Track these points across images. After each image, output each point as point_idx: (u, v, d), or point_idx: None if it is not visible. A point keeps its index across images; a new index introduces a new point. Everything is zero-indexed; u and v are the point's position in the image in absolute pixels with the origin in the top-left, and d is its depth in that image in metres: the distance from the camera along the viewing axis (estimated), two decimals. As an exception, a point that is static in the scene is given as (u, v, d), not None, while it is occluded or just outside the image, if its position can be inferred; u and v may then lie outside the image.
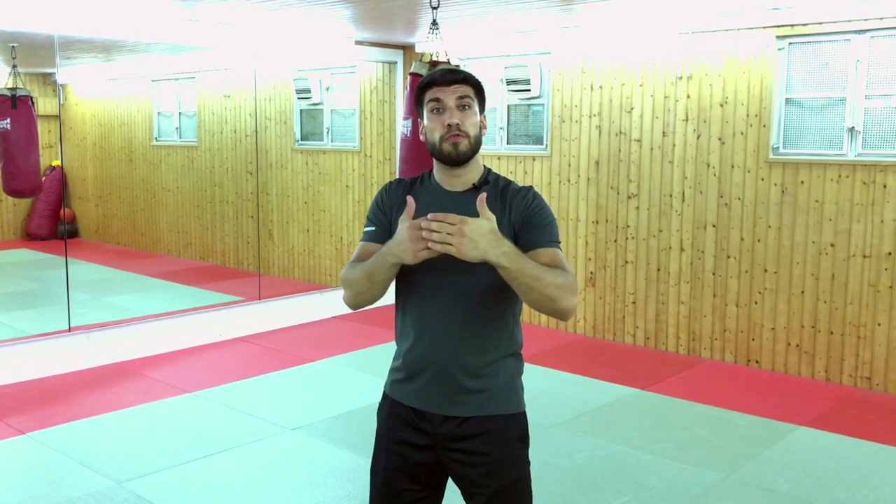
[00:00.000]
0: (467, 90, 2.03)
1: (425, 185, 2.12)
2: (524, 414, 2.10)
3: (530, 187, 2.08)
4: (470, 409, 2.03)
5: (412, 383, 2.09)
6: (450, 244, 1.77)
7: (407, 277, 2.04)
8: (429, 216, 1.80)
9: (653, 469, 4.13)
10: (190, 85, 9.88)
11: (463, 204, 1.98)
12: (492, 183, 2.07)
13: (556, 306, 1.90)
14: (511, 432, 2.05)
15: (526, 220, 2.01)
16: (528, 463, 2.09)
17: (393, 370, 2.18)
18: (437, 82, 2.02)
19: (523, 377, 2.15)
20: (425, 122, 2.05)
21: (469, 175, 2.07)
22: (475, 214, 1.85)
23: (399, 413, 2.12)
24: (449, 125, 2.00)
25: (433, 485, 2.13)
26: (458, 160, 2.02)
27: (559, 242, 2.04)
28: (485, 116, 2.09)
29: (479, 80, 2.09)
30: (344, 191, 8.52)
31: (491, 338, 2.03)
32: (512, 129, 7.30)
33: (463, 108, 2.02)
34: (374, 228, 2.12)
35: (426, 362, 2.05)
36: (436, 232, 1.78)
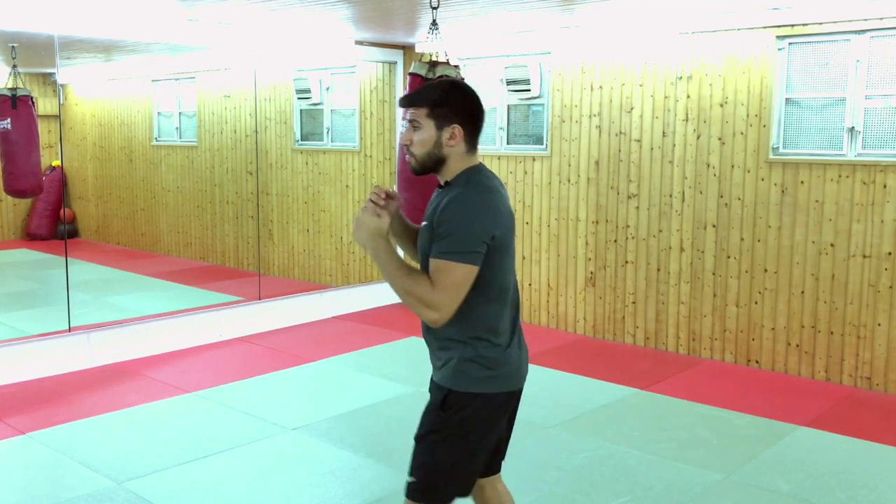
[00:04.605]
0: (417, 112, 2.33)
1: None
2: (458, 393, 2.36)
3: (459, 192, 2.30)
4: (435, 377, 2.47)
5: None
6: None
7: None
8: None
9: (653, 469, 4.13)
10: (190, 85, 9.88)
11: (435, 199, 2.39)
12: (452, 185, 2.35)
13: (412, 310, 2.30)
14: (436, 399, 2.42)
15: (434, 226, 2.28)
16: (441, 428, 2.37)
17: None
18: (400, 105, 2.43)
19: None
20: None
21: (443, 176, 2.39)
22: (431, 208, 2.35)
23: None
24: (404, 144, 2.38)
25: None
26: (413, 173, 2.39)
27: (452, 254, 2.22)
28: (455, 127, 2.31)
29: (446, 94, 2.33)
30: (344, 191, 8.51)
31: (447, 326, 2.32)
32: (512, 129, 7.30)
33: (414, 129, 2.34)
34: None
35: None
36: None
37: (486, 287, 2.31)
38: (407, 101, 2.36)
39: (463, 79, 5.11)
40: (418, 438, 2.43)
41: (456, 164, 2.35)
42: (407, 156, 2.37)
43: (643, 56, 6.35)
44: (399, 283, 2.26)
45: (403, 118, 2.38)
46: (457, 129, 2.31)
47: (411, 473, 2.42)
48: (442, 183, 2.38)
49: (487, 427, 2.41)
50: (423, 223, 2.39)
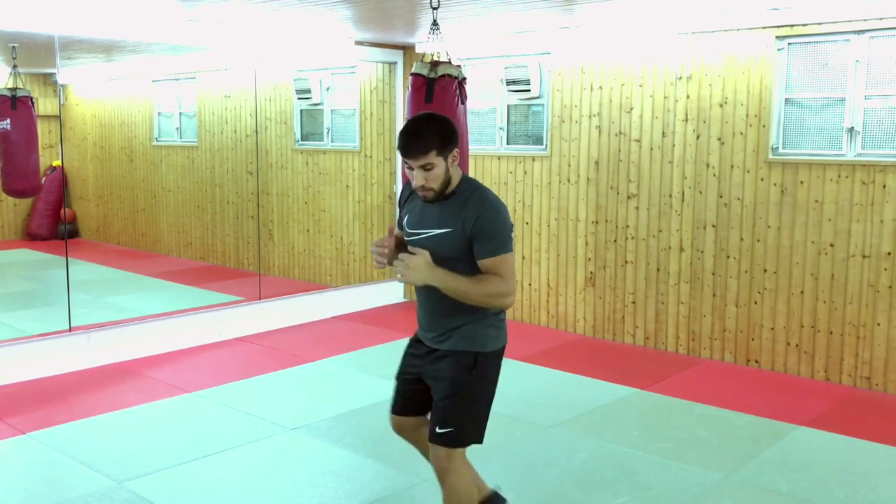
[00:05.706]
0: (428, 158, 2.68)
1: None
2: (485, 353, 2.83)
3: (486, 199, 2.75)
4: (445, 346, 2.88)
5: (419, 328, 3.04)
6: (400, 272, 2.67)
7: None
8: (385, 241, 2.84)
9: (653, 469, 4.14)
10: (190, 85, 9.89)
11: (435, 210, 2.81)
12: (458, 194, 2.79)
13: (489, 308, 2.79)
14: (465, 363, 2.83)
15: (474, 232, 2.71)
16: (471, 385, 2.82)
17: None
18: (405, 154, 2.71)
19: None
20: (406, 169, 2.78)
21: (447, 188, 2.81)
22: (445, 216, 2.76)
23: (411, 342, 3.14)
24: (420, 186, 2.74)
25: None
26: (431, 202, 2.80)
27: (504, 249, 2.71)
28: (455, 150, 2.74)
29: (442, 130, 2.71)
30: (344, 191, 8.52)
31: (454, 308, 2.78)
32: (512, 129, 7.30)
33: (427, 170, 2.71)
34: (397, 216, 3.05)
35: (420, 319, 3.00)
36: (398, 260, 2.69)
37: None
38: (414, 153, 2.69)
39: (465, 78, 5.13)
40: (449, 397, 2.81)
41: (454, 175, 2.81)
42: (423, 192, 2.75)
43: (643, 56, 6.35)
44: (476, 292, 2.68)
45: (405, 162, 2.77)
46: (455, 151, 2.77)
47: (445, 425, 2.81)
48: (448, 192, 2.78)
49: (498, 374, 2.94)
50: (442, 230, 2.76)
